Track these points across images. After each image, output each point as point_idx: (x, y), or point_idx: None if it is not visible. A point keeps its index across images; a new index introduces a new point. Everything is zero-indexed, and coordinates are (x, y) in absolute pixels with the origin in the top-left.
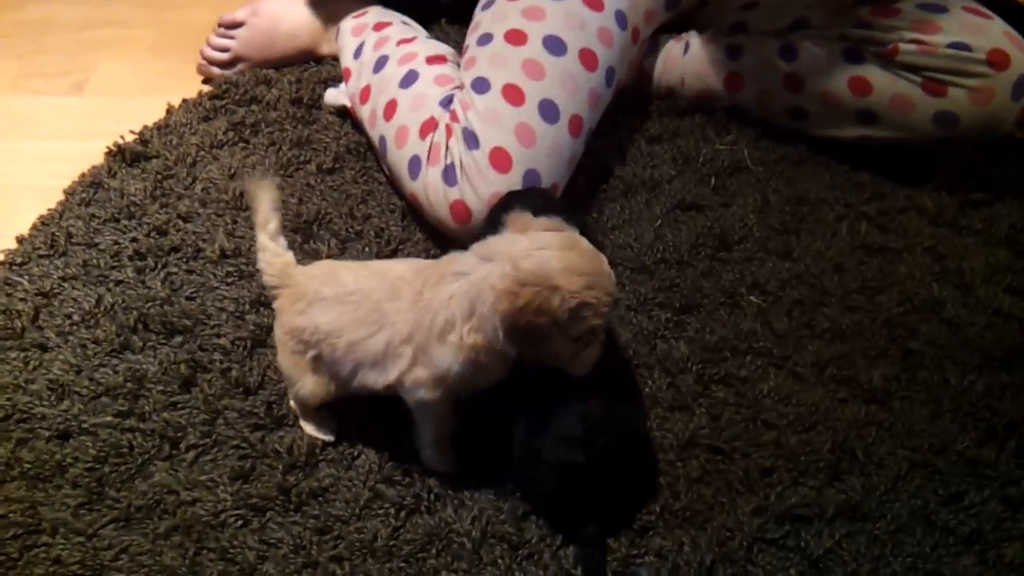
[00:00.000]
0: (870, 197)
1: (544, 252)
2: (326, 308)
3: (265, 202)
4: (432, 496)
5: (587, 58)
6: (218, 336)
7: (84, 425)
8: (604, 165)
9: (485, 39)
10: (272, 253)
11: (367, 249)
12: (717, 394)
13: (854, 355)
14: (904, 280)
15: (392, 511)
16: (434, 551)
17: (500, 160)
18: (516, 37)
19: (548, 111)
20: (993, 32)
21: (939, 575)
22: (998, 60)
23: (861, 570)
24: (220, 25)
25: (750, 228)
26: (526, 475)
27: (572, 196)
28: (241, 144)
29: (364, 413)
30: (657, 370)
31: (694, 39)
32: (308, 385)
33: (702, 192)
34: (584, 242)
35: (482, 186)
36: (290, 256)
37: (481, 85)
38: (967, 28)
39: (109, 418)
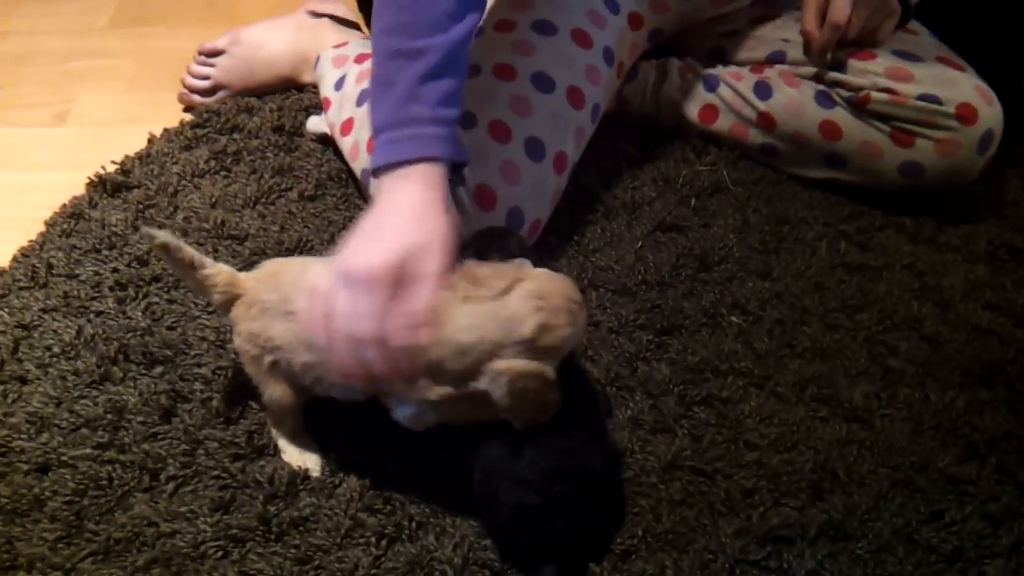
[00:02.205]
0: (849, 215)
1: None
2: (274, 318)
3: (175, 248)
4: (414, 524)
5: (574, 96)
6: (199, 366)
7: (63, 458)
8: (585, 188)
9: (472, 71)
10: (212, 272)
11: None
12: (699, 415)
13: (835, 374)
14: (884, 298)
15: (374, 540)
16: None
17: (484, 198)
18: (504, 72)
19: (534, 149)
20: (964, 86)
21: None
22: (966, 115)
23: None
24: (200, 53)
25: (730, 248)
26: (484, 514)
27: (552, 220)
28: (223, 172)
29: (345, 441)
30: (639, 392)
31: (672, 67)
32: (277, 391)
33: (682, 213)
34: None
35: (464, 224)
36: (229, 268)
37: (467, 120)
38: (939, 80)
39: (88, 450)
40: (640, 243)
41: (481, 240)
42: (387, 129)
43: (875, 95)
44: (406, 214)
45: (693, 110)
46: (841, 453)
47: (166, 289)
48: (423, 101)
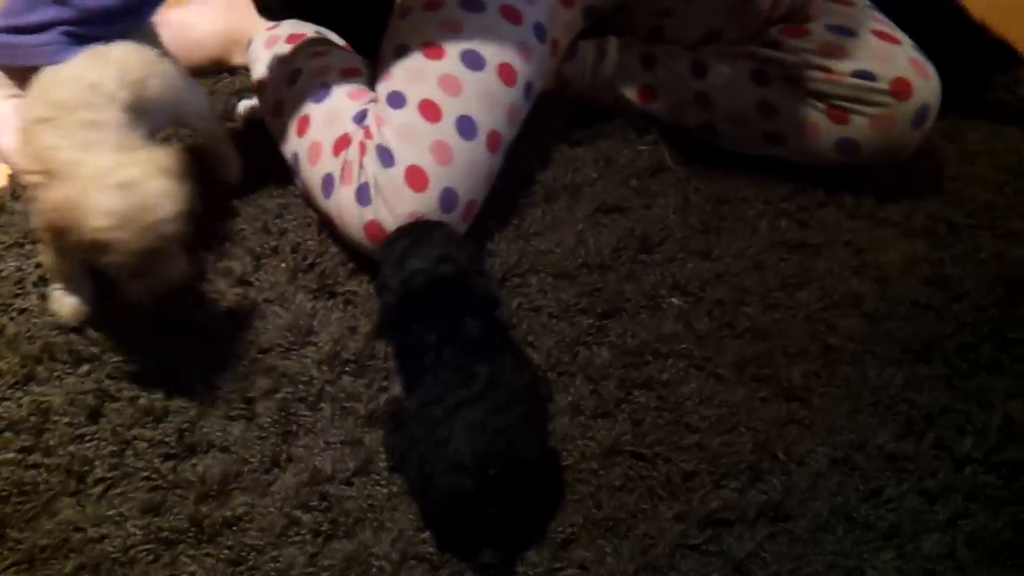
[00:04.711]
0: (789, 193)
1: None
2: None
3: None
4: (350, 520)
5: (506, 73)
6: (127, 363)
7: None
8: (525, 170)
9: (402, 51)
10: None
11: (283, 265)
12: (639, 399)
13: (775, 353)
14: (823, 275)
15: (309, 537)
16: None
17: (416, 179)
18: (433, 51)
19: (466, 128)
20: (898, 60)
21: (860, 572)
22: (900, 90)
23: (783, 571)
24: None
25: (671, 229)
26: (419, 499)
27: (492, 203)
28: None
29: (278, 432)
30: (579, 377)
31: (611, 46)
32: None
33: (624, 194)
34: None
35: (398, 205)
36: None
37: (397, 100)
38: (874, 55)
39: (12, 455)
40: (581, 225)
41: (403, 236)
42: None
43: (809, 74)
44: None
45: (632, 89)
46: (780, 433)
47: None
48: None
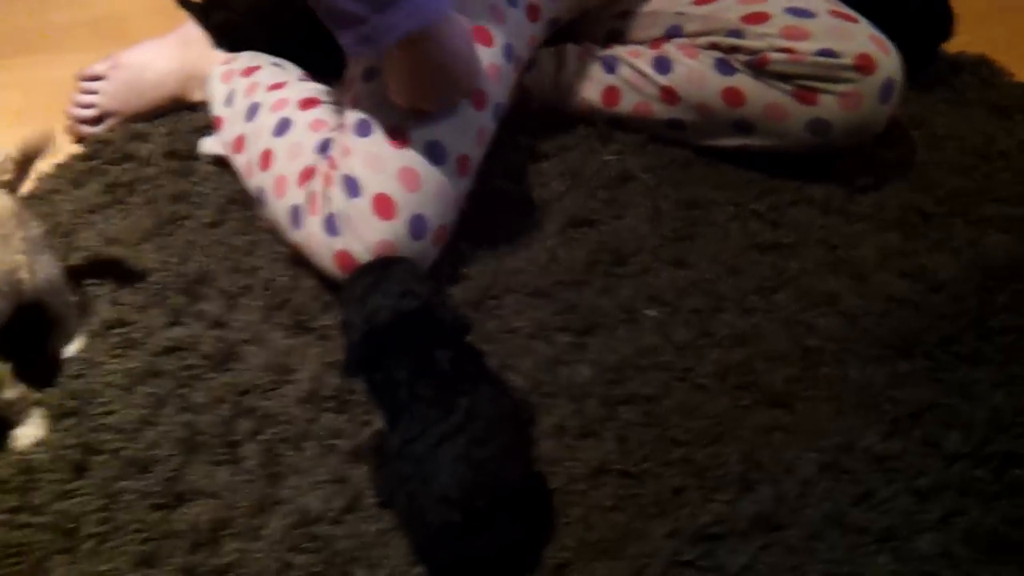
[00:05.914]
0: (759, 193)
1: None
2: None
3: None
4: (343, 560)
5: (477, 97)
6: (108, 414)
7: None
8: (492, 188)
9: (369, 75)
10: None
11: (256, 303)
12: (623, 416)
13: (755, 359)
14: (799, 276)
15: None
16: None
17: (384, 207)
18: None
19: (435, 153)
20: (858, 36)
21: None
22: (864, 65)
23: None
24: (80, 79)
25: (643, 239)
26: (411, 534)
27: (462, 224)
28: (117, 206)
29: (265, 476)
30: (562, 397)
31: (570, 53)
32: None
33: (593, 206)
34: None
35: (367, 234)
36: None
37: (363, 128)
38: (834, 33)
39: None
40: (552, 241)
41: (363, 275)
42: None
43: (773, 56)
44: None
45: (596, 94)
46: (767, 441)
47: None
48: None
